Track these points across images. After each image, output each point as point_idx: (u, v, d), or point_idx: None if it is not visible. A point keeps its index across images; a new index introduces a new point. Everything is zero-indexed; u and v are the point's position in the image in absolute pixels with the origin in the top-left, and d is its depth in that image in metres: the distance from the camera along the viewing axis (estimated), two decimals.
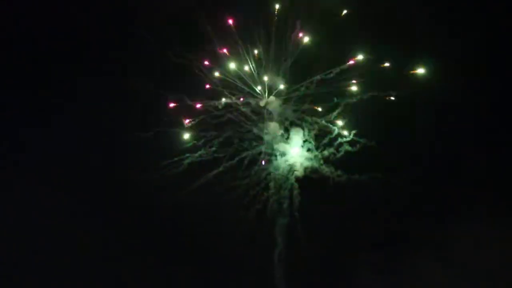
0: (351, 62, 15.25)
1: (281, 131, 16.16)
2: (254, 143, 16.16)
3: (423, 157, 15.82)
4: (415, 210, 15.59)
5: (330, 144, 15.92)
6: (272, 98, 15.93)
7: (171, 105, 15.61)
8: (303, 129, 16.05)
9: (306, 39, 15.22)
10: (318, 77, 15.55)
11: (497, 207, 14.75)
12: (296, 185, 15.99)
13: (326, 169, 15.79)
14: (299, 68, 15.77)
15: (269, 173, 16.16)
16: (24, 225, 15.14)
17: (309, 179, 15.92)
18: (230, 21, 15.21)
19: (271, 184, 16.11)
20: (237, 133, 16.02)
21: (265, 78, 15.73)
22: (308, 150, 16.07)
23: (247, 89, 15.84)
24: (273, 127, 16.15)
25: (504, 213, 14.69)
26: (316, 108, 15.82)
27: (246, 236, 15.64)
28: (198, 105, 15.62)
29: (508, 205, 14.97)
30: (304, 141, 16.09)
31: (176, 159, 15.66)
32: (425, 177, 15.52)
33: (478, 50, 15.43)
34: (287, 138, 16.19)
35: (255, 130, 16.12)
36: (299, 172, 16.04)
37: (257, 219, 15.93)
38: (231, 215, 15.84)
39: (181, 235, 15.65)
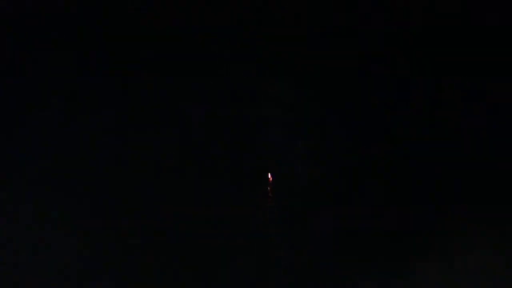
0: None
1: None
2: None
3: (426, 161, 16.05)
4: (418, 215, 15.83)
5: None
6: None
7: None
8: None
9: None
10: None
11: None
12: (300, 192, 16.29)
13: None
14: None
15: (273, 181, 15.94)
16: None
17: (314, 186, 16.03)
18: None
19: (275, 192, 16.35)
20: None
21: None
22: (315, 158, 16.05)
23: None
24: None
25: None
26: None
27: (246, 245, 15.80)
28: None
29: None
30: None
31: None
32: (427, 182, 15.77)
33: None
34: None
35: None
36: (304, 180, 16.29)
37: (259, 226, 16.08)
38: (232, 224, 15.96)
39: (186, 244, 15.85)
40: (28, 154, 15.86)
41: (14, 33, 16.11)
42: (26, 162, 15.79)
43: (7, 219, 14.74)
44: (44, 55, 16.38)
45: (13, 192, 15.10)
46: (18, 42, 16.16)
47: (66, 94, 16.18)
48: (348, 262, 14.81)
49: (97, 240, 15.03)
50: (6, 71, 16.03)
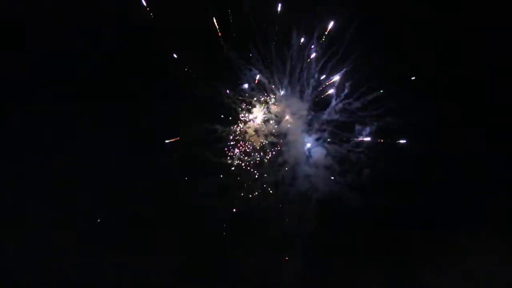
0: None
1: (304, 155, 16.72)
2: (277, 167, 16.76)
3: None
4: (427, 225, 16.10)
5: (352, 169, 16.32)
6: (295, 122, 16.67)
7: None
8: (326, 153, 16.53)
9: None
10: (340, 105, 16.15)
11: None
12: (316, 207, 16.47)
13: (347, 193, 16.20)
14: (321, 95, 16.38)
15: (290, 196, 16.65)
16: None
17: (330, 202, 16.35)
18: None
19: (292, 206, 16.58)
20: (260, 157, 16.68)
21: (289, 104, 16.55)
22: (331, 174, 16.52)
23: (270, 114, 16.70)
24: (296, 150, 16.74)
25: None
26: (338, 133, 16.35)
27: (262, 256, 16.29)
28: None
29: None
30: (327, 165, 16.54)
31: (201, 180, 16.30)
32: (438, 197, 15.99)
33: None
34: (310, 161, 16.69)
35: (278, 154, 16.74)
36: (320, 195, 16.45)
37: (274, 239, 16.49)
38: (249, 236, 16.47)
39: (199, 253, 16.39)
40: None
41: None
42: None
43: None
44: None
45: None
46: None
47: None
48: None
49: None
50: None
